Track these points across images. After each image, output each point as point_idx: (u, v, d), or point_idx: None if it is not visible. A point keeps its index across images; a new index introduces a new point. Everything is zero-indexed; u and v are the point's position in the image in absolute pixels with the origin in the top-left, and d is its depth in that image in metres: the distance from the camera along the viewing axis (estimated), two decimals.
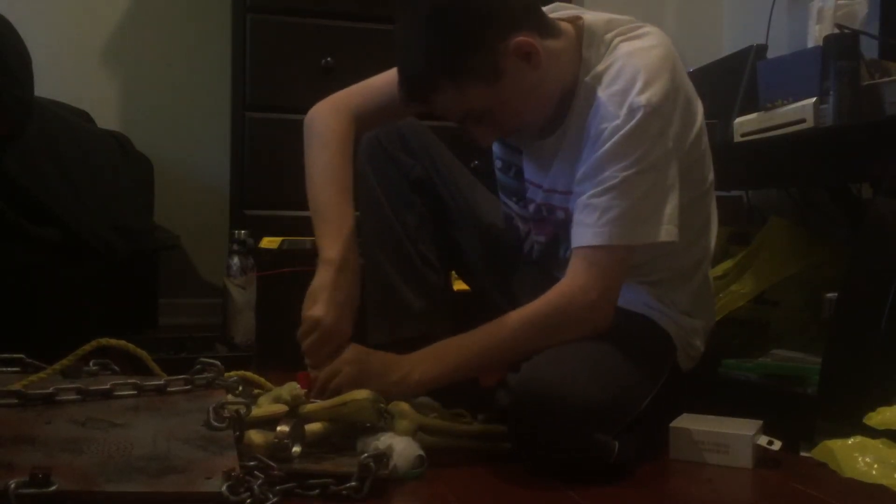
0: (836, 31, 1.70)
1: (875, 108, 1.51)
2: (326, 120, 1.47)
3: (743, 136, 1.81)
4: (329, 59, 2.48)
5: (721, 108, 1.91)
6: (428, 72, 1.30)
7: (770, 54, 1.97)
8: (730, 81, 1.95)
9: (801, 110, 1.63)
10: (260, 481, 1.04)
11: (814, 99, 1.61)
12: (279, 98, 2.49)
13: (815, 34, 1.82)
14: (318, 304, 1.34)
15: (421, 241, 1.57)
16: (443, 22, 1.28)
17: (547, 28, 1.34)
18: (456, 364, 1.32)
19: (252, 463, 1.08)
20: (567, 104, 1.37)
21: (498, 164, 1.58)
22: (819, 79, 1.60)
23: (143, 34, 2.77)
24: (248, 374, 1.42)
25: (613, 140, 1.27)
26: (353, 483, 1.09)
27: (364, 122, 1.50)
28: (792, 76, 1.71)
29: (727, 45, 2.56)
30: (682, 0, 2.84)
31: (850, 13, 1.79)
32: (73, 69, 2.69)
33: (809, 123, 1.61)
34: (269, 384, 1.40)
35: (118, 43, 2.76)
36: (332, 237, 1.38)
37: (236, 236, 2.17)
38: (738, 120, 1.84)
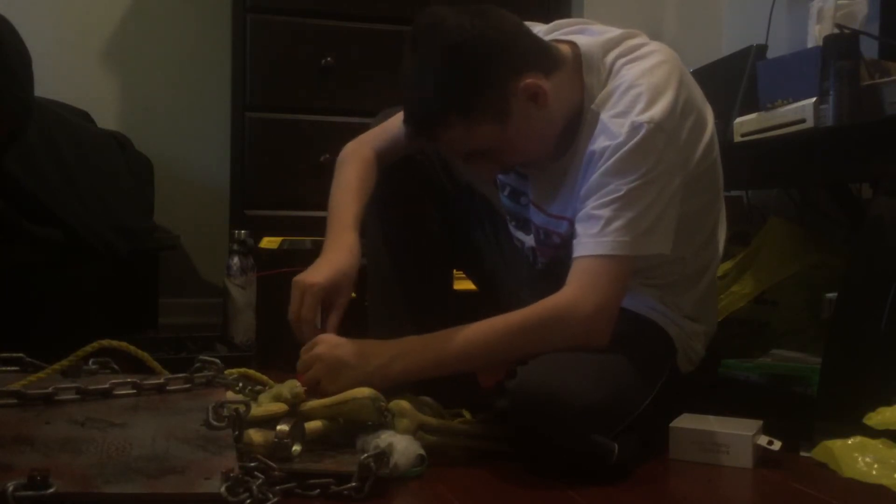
0: (836, 31, 1.70)
1: (875, 108, 1.51)
2: (350, 152, 1.53)
3: (743, 136, 1.81)
4: (329, 59, 2.48)
5: (721, 108, 1.91)
6: (439, 107, 1.31)
7: (770, 54, 1.97)
8: (730, 81, 1.95)
9: (801, 110, 1.63)
10: (259, 481, 1.04)
11: (814, 99, 1.61)
12: (279, 98, 2.50)
13: (815, 34, 1.82)
14: (306, 271, 1.37)
15: (424, 236, 1.57)
16: (456, 59, 1.29)
17: (551, 64, 1.35)
18: (441, 358, 1.30)
19: (252, 463, 1.08)
20: (573, 130, 1.37)
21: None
22: (819, 79, 1.60)
23: (143, 34, 2.76)
24: (249, 371, 1.42)
25: (616, 157, 1.27)
26: (354, 483, 1.09)
27: (384, 155, 1.53)
28: (792, 76, 1.71)
29: (727, 45, 2.56)
30: (682, 0, 2.84)
31: (850, 13, 1.78)
32: (73, 69, 2.68)
33: (809, 123, 1.61)
34: (270, 381, 1.40)
35: (118, 43, 2.75)
36: (332, 231, 1.43)
37: (236, 236, 2.17)
38: (738, 120, 1.84)
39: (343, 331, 1.38)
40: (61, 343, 1.32)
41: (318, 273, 1.36)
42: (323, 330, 1.37)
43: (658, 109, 1.27)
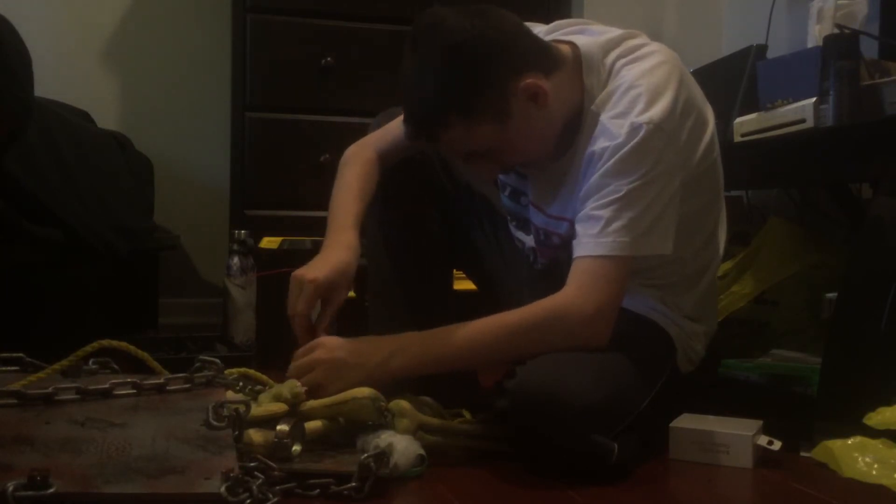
0: (836, 31, 1.70)
1: (875, 108, 1.51)
2: (352, 154, 1.54)
3: (743, 136, 1.81)
4: (329, 59, 2.48)
5: (721, 108, 1.91)
6: (439, 108, 1.31)
7: (770, 54, 1.97)
8: (730, 81, 1.95)
9: (801, 110, 1.63)
10: (259, 481, 1.04)
11: (814, 99, 1.61)
12: (279, 98, 2.50)
13: (815, 34, 1.82)
14: (305, 267, 1.37)
15: (424, 237, 1.57)
16: (456, 60, 1.29)
17: (551, 64, 1.35)
18: (439, 356, 1.30)
19: (252, 463, 1.08)
20: (573, 131, 1.37)
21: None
22: (819, 79, 1.60)
23: (143, 34, 2.76)
24: (249, 371, 1.42)
25: (616, 157, 1.27)
26: (354, 483, 1.09)
27: (386, 157, 1.53)
28: (792, 76, 1.71)
29: (727, 45, 2.56)
30: (682, 0, 2.84)
31: (850, 13, 1.78)
32: (73, 69, 2.68)
33: (809, 123, 1.61)
34: (270, 381, 1.40)
35: (118, 43, 2.75)
36: (331, 230, 1.43)
37: (236, 236, 2.17)
38: (738, 120, 1.84)
39: (343, 331, 1.38)
40: (61, 343, 1.32)
41: (317, 269, 1.36)
42: (315, 329, 1.37)
43: (657, 110, 1.27)
